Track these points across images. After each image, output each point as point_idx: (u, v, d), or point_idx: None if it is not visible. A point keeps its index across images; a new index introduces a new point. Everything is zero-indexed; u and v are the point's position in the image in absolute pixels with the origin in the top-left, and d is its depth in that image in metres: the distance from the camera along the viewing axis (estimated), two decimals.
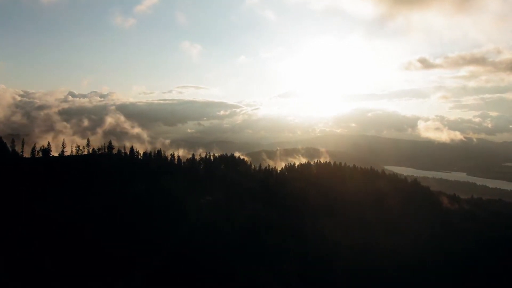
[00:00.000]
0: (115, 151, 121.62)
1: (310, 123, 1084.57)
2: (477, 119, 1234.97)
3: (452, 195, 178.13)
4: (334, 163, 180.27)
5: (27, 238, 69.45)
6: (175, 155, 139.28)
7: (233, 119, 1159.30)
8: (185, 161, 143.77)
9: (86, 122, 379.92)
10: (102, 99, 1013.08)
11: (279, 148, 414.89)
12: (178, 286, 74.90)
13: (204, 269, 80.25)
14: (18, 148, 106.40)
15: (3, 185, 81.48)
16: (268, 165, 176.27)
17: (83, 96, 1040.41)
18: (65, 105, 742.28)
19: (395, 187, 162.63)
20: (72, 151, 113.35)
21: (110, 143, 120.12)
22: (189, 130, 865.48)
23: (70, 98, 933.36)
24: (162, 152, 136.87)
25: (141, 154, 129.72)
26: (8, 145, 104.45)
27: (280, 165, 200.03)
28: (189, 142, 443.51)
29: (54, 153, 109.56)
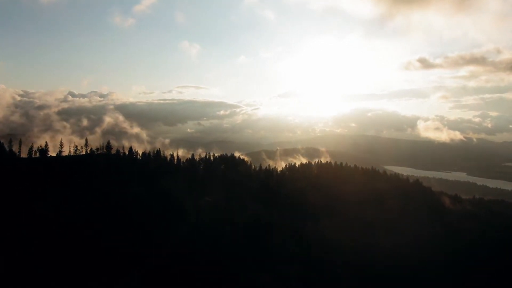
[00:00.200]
0: (113, 151, 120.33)
1: (310, 123, 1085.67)
2: (477, 119, 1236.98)
3: (454, 195, 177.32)
4: (335, 163, 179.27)
5: (24, 238, 68.51)
6: (175, 155, 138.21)
7: (233, 119, 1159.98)
8: (184, 161, 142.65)
9: (85, 122, 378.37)
10: (102, 99, 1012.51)
11: (279, 148, 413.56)
12: (177, 287, 73.94)
13: (204, 270, 79.40)
14: (16, 148, 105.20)
15: None
16: (269, 165, 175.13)
17: (83, 96, 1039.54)
18: (65, 105, 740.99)
19: (396, 187, 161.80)
20: (70, 151, 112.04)
21: (108, 143, 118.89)
22: (189, 130, 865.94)
23: (70, 98, 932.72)
24: (162, 152, 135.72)
25: (140, 154, 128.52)
26: (6, 145, 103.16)
27: (280, 165, 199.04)
28: (189, 142, 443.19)
29: (52, 153, 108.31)
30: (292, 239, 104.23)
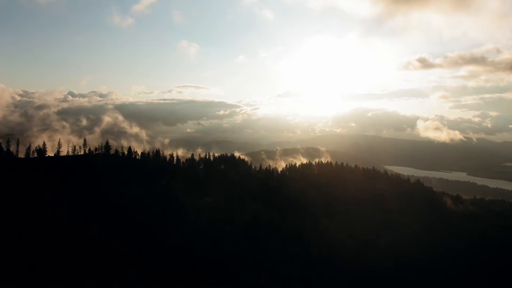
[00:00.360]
0: (112, 151, 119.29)
1: (310, 122, 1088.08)
2: (476, 119, 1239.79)
3: (456, 195, 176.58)
4: (336, 163, 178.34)
5: (21, 238, 67.58)
6: (174, 155, 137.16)
7: (232, 118, 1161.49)
8: (184, 161, 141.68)
9: (84, 122, 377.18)
10: (101, 98, 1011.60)
11: (278, 148, 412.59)
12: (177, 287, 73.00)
13: (203, 271, 78.41)
14: (14, 148, 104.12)
15: None
16: (269, 165, 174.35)
17: (83, 96, 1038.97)
18: (65, 105, 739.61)
19: (397, 187, 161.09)
20: (68, 151, 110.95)
21: (107, 142, 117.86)
22: (188, 130, 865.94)
23: (69, 97, 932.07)
24: (161, 152, 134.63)
25: (139, 154, 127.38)
26: (4, 145, 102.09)
27: (280, 165, 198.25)
28: (188, 142, 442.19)
29: (50, 153, 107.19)
30: (292, 239, 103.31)
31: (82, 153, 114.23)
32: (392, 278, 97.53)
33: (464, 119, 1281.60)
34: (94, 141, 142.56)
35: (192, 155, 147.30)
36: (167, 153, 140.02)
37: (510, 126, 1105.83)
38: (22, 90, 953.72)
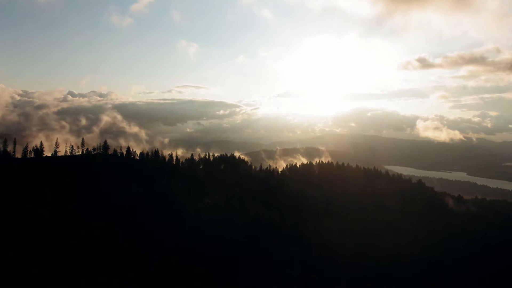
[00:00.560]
0: (111, 151, 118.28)
1: (310, 122, 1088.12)
2: (476, 119, 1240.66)
3: (457, 196, 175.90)
4: (337, 163, 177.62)
5: (18, 238, 66.85)
6: (174, 155, 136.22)
7: (232, 118, 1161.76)
8: (184, 161, 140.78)
9: (83, 122, 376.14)
10: (101, 98, 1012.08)
11: (278, 148, 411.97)
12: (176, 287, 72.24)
13: (203, 272, 77.66)
14: (11, 148, 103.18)
15: None
16: (269, 165, 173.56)
17: (82, 95, 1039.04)
18: (64, 105, 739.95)
19: (398, 187, 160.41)
20: (66, 151, 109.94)
21: (105, 142, 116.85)
22: (188, 130, 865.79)
23: (69, 97, 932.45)
24: (160, 152, 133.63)
25: (138, 154, 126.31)
26: (0, 145, 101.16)
27: (280, 165, 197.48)
28: (188, 142, 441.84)
29: (48, 153, 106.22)
30: (292, 239, 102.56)
31: (80, 153, 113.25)
32: (392, 278, 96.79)
33: (464, 119, 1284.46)
34: (93, 141, 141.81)
35: (192, 155, 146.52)
36: (166, 153, 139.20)
37: (510, 126, 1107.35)
38: (22, 90, 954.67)
